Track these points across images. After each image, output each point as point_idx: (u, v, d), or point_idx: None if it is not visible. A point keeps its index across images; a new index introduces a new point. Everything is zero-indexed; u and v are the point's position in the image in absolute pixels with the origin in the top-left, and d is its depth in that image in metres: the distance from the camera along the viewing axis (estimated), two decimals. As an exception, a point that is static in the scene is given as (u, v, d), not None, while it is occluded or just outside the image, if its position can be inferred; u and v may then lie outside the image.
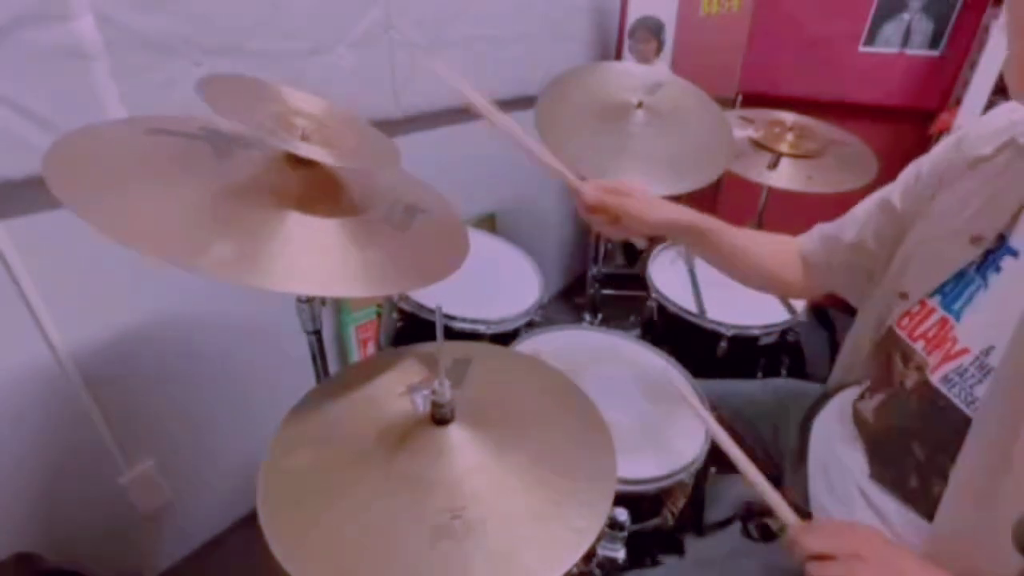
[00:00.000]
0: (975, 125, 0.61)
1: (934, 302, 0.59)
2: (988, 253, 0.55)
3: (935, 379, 0.55)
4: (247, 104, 0.59)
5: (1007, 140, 0.57)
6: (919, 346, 0.59)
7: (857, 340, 0.73)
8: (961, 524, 0.51)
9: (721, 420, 0.71)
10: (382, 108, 1.31)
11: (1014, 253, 0.53)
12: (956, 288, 0.57)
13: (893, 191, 0.71)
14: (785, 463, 0.83)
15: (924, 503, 0.56)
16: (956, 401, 0.53)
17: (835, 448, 0.70)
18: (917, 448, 0.57)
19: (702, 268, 1.30)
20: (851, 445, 0.68)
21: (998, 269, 0.54)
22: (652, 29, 1.97)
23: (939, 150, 0.65)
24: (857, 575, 0.48)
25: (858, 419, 0.68)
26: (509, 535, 0.47)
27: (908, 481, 0.58)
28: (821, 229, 0.79)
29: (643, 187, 0.74)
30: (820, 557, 0.51)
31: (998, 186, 0.56)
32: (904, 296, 0.62)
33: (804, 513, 0.73)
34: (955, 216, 0.59)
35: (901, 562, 0.50)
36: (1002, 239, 0.54)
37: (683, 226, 0.73)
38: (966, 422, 0.51)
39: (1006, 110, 0.60)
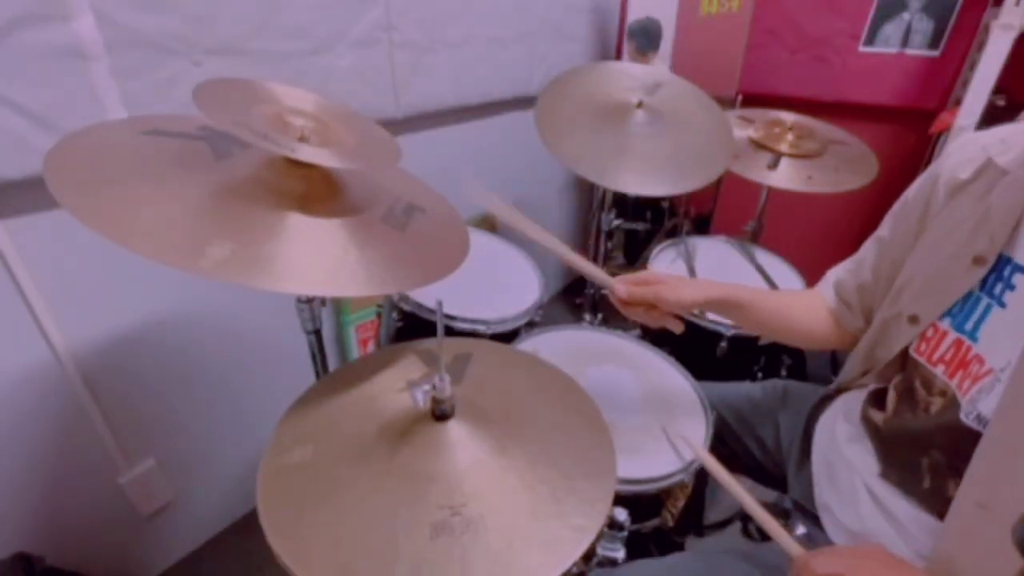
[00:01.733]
0: (946, 160, 0.63)
1: (945, 324, 0.59)
2: (990, 272, 0.56)
3: (965, 401, 0.55)
4: (243, 109, 0.59)
5: (984, 163, 0.59)
6: (939, 371, 0.59)
7: (855, 352, 0.74)
8: (964, 530, 0.51)
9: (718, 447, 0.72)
10: (382, 108, 1.31)
11: (1022, 270, 0.54)
12: (964, 309, 0.57)
13: (883, 225, 0.73)
14: (787, 463, 0.83)
15: (937, 503, 0.57)
16: (961, 414, 0.54)
17: (841, 447, 0.70)
18: (934, 454, 0.57)
19: (702, 268, 1.30)
20: (859, 444, 0.68)
21: (1012, 287, 0.54)
22: (631, 31, 1.98)
23: (917, 185, 0.67)
24: None
25: (868, 424, 0.68)
26: (508, 532, 0.47)
27: (921, 482, 0.58)
28: (834, 277, 0.80)
29: (667, 273, 0.77)
30: None
31: (987, 206, 0.57)
32: (914, 320, 0.62)
33: (808, 513, 0.73)
34: (950, 239, 0.60)
35: None
36: (1004, 258, 0.55)
37: (716, 302, 0.76)
38: (970, 433, 0.52)
39: (971, 139, 0.62)
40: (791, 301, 0.82)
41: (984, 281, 0.56)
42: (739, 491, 0.63)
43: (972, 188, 0.59)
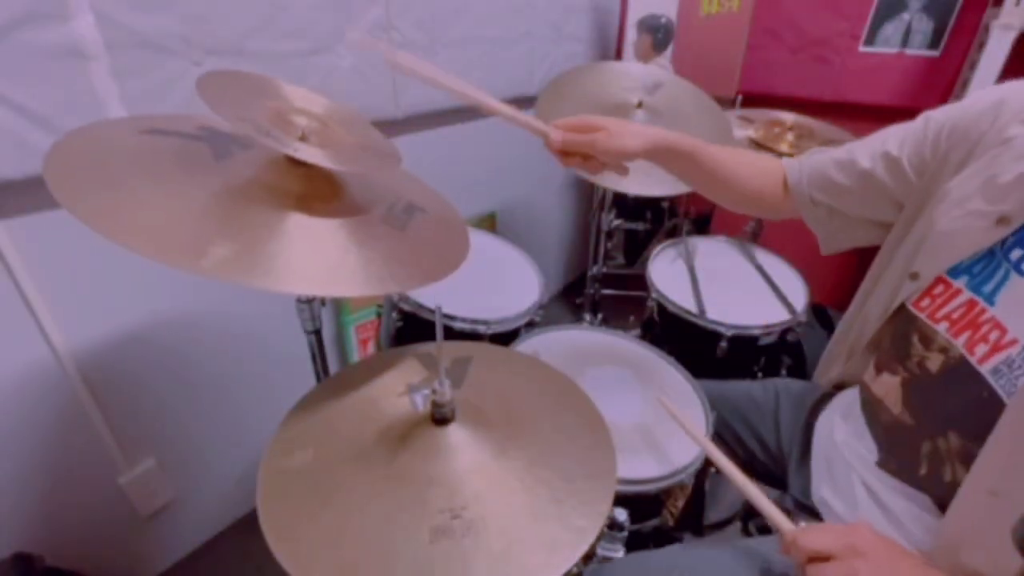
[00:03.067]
0: (1015, 97, 0.58)
1: (960, 283, 0.57)
2: (1012, 234, 0.53)
3: (985, 370, 0.53)
4: (246, 102, 0.59)
5: None
6: (942, 327, 0.57)
7: (863, 328, 0.72)
8: (972, 518, 0.51)
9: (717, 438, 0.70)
10: (382, 108, 1.31)
11: None
12: (985, 270, 0.55)
13: (888, 142, 0.67)
14: (788, 462, 0.83)
15: (934, 489, 0.56)
16: (1001, 393, 0.52)
17: (838, 444, 0.70)
18: (952, 437, 0.56)
19: (702, 268, 1.30)
20: (857, 438, 0.67)
21: None
22: (649, 26, 1.97)
23: (972, 114, 0.60)
24: (857, 572, 0.48)
25: (873, 407, 0.66)
26: (509, 534, 0.47)
27: (918, 469, 0.58)
28: (812, 163, 0.75)
29: (613, 119, 0.69)
30: (818, 558, 0.51)
31: None
32: (915, 276, 0.60)
33: (808, 510, 0.74)
34: (979, 195, 0.56)
35: (898, 558, 0.50)
36: None
37: (662, 149, 0.70)
38: (999, 409, 0.51)
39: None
40: (741, 159, 0.77)
41: (1004, 243, 0.54)
42: (731, 468, 0.63)
43: (1017, 143, 0.56)
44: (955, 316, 0.57)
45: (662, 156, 0.71)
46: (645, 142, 0.68)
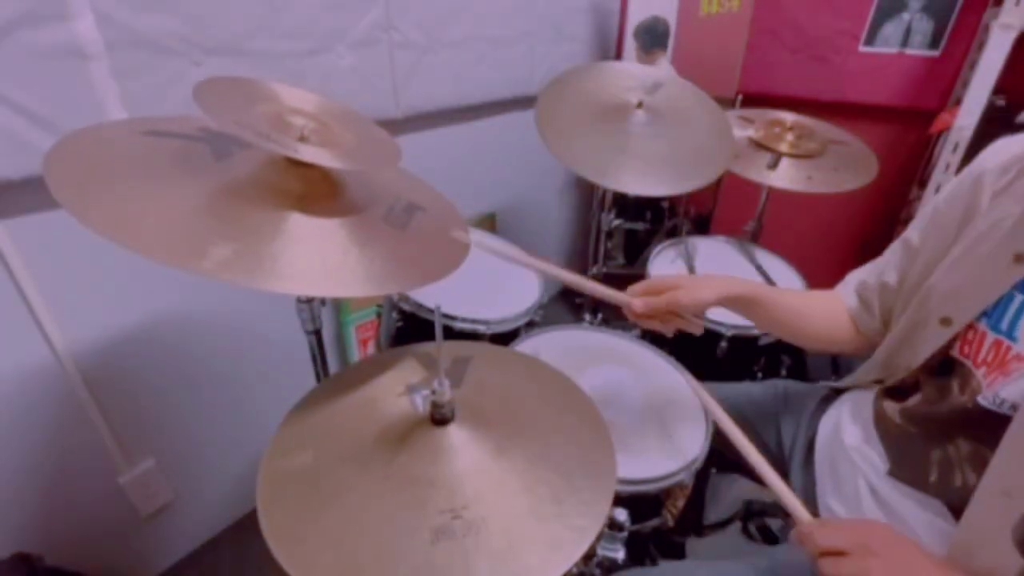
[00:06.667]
0: (986, 163, 0.62)
1: (982, 326, 0.58)
2: None
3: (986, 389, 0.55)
4: (243, 108, 0.58)
5: None
6: (981, 372, 0.58)
7: (874, 358, 0.73)
8: (986, 520, 0.51)
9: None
10: (382, 108, 1.31)
11: None
12: (997, 308, 0.56)
13: (912, 230, 0.71)
14: (790, 464, 0.83)
15: (946, 495, 0.56)
16: (984, 403, 0.54)
17: (846, 447, 0.69)
18: (948, 447, 0.57)
19: (702, 268, 1.30)
20: (866, 445, 0.67)
21: None
22: (637, 32, 1.98)
23: (952, 190, 0.66)
24: (869, 570, 0.48)
25: (880, 418, 0.67)
26: (509, 534, 0.47)
27: (928, 475, 0.58)
28: (856, 278, 0.79)
29: (676, 275, 0.75)
30: (831, 553, 0.50)
31: None
32: (947, 322, 0.61)
33: (810, 513, 0.73)
34: (987, 240, 0.58)
35: (912, 557, 0.50)
36: None
37: (734, 298, 0.74)
38: (992, 417, 0.52)
39: (1013, 142, 0.61)
40: (809, 301, 0.80)
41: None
42: (755, 456, 0.63)
43: (1012, 189, 0.58)
44: (989, 359, 0.57)
45: (734, 303, 0.75)
46: (719, 293, 0.72)
